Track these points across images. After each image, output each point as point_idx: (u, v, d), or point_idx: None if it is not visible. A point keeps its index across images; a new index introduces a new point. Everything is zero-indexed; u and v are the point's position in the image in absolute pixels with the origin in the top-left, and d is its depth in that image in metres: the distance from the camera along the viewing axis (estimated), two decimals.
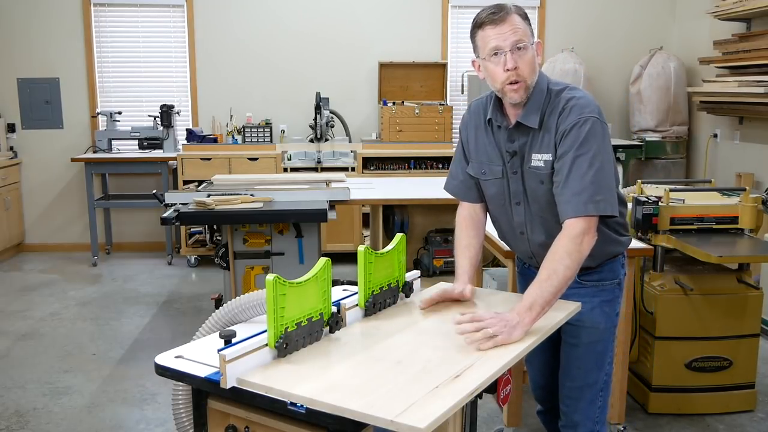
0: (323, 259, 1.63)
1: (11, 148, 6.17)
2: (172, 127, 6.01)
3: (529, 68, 1.86)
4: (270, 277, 1.47)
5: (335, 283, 1.94)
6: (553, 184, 1.90)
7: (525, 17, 1.89)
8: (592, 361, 2.06)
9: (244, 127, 6.05)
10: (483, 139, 2.06)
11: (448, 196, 2.24)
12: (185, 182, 5.58)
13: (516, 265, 2.26)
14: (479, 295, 2.02)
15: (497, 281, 3.48)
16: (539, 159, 1.92)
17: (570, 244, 1.81)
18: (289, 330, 1.53)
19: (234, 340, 1.53)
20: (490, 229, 2.26)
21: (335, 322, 1.68)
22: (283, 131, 6.22)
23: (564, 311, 1.89)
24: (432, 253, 4.48)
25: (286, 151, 5.83)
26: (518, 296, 2.07)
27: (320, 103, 5.70)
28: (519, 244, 2.12)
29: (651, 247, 2.96)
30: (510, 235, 2.14)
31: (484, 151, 2.05)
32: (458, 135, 2.20)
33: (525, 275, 2.21)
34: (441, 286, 2.03)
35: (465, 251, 2.10)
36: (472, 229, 2.13)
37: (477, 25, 1.89)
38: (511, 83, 1.87)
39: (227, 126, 6.12)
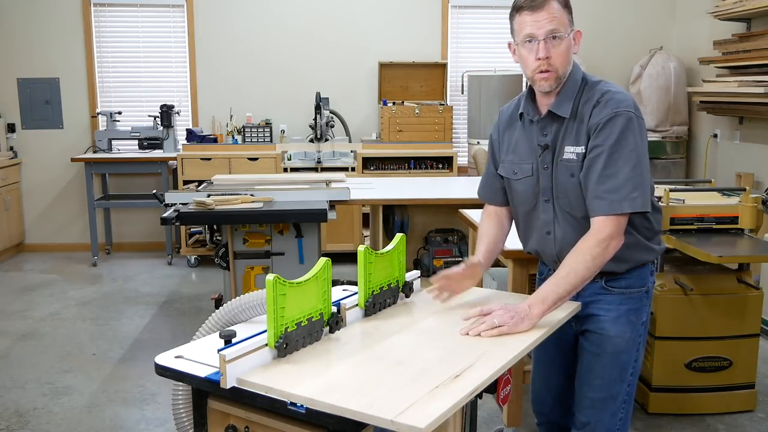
0: (323, 259, 1.63)
1: (11, 148, 6.18)
2: (172, 127, 6.01)
3: (562, 59, 1.84)
4: (270, 277, 1.47)
5: (335, 283, 1.94)
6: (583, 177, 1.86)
7: (566, 4, 1.84)
8: (616, 372, 1.98)
9: (244, 127, 6.05)
10: (515, 138, 2.03)
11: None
12: (185, 182, 5.58)
13: (538, 271, 2.20)
14: (480, 296, 2.02)
15: (497, 281, 3.47)
16: (571, 151, 1.88)
17: (596, 247, 1.79)
18: (289, 330, 1.53)
19: (234, 340, 1.53)
20: None
21: (335, 322, 1.68)
22: (283, 131, 6.22)
23: (565, 311, 1.88)
24: (432, 253, 4.48)
25: (286, 151, 5.83)
26: (519, 296, 2.06)
27: (320, 103, 5.70)
28: (545, 247, 2.03)
29: None
30: (537, 238, 2.04)
31: (515, 150, 2.02)
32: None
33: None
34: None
35: (483, 238, 2.11)
36: (495, 223, 2.13)
37: (515, 8, 1.86)
38: (541, 72, 1.84)
39: (227, 126, 6.12)
